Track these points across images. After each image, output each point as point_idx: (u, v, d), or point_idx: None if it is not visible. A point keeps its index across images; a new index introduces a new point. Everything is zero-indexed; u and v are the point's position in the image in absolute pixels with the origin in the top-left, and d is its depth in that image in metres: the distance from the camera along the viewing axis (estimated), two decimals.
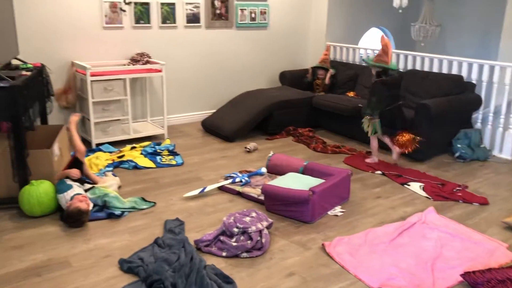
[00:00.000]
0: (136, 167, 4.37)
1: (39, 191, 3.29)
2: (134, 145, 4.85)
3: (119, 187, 3.87)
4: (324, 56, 6.26)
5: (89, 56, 5.08)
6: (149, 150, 4.72)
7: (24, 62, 4.11)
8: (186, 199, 3.73)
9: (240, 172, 4.21)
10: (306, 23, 6.82)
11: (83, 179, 3.63)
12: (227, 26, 6.05)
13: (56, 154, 3.63)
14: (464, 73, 5.14)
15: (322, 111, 5.66)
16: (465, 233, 3.22)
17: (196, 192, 3.79)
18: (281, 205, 3.44)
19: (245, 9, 6.14)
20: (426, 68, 5.50)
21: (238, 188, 3.84)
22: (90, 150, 4.63)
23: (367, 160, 4.67)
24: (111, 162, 4.41)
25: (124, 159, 4.48)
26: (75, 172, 3.54)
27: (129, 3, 5.19)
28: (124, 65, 5.22)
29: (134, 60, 5.28)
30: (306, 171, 3.97)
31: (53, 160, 3.54)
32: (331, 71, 6.09)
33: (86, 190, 3.50)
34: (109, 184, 3.72)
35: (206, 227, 3.26)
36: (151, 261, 2.75)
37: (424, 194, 3.94)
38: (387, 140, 4.57)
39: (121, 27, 5.24)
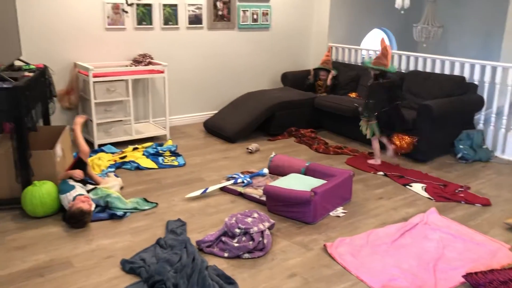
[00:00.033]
0: (138, 168, 4.38)
1: (41, 191, 3.30)
2: (136, 146, 4.86)
3: (121, 188, 3.87)
4: (325, 57, 6.26)
5: (92, 57, 5.09)
6: (151, 151, 4.72)
7: (27, 63, 4.12)
8: (188, 200, 3.74)
9: (242, 173, 4.21)
10: (308, 24, 6.83)
11: (86, 180, 3.64)
12: (229, 27, 6.06)
13: (58, 155, 3.64)
14: (466, 74, 5.13)
15: (324, 112, 5.66)
16: (467, 234, 3.22)
17: (198, 193, 3.79)
18: (283, 206, 3.44)
19: (247, 10, 6.15)
20: (428, 69, 5.50)
21: (240, 189, 3.85)
22: (92, 151, 4.63)
23: (369, 161, 4.67)
24: (113, 163, 4.42)
25: (126, 160, 4.49)
26: (78, 173, 3.55)
27: (131, 5, 5.21)
28: (127, 66, 5.24)
29: (136, 61, 5.29)
30: (308, 172, 3.97)
31: (55, 160, 3.55)
32: (333, 72, 6.09)
33: (88, 191, 3.51)
34: (111, 185, 3.73)
35: (208, 227, 3.27)
36: (153, 262, 2.75)
37: (426, 195, 3.93)
38: (384, 140, 4.59)
39: (123, 29, 5.26)
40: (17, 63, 4.13)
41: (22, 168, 3.37)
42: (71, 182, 3.45)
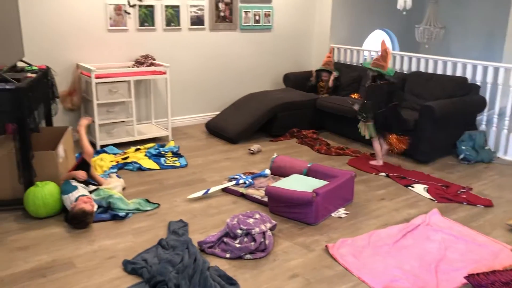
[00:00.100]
0: (140, 168, 4.39)
1: (44, 192, 3.31)
2: (138, 146, 4.87)
3: (124, 189, 3.88)
4: (327, 59, 6.26)
5: (94, 58, 5.11)
6: (153, 151, 4.73)
7: (29, 64, 4.13)
8: (190, 201, 3.74)
9: (244, 173, 4.21)
10: (310, 25, 6.83)
11: (88, 181, 3.65)
12: (231, 28, 6.07)
13: (61, 156, 3.65)
14: (468, 75, 5.13)
15: (326, 113, 5.66)
16: (469, 235, 3.21)
17: (200, 193, 3.79)
18: (284, 207, 3.44)
19: (249, 12, 6.16)
20: (430, 70, 5.50)
21: (241, 190, 3.85)
22: (94, 151, 4.63)
23: (371, 162, 4.67)
24: (115, 163, 4.43)
25: (128, 160, 4.50)
26: (81, 174, 3.56)
27: (133, 6, 5.22)
28: (129, 67, 5.25)
29: (138, 62, 5.31)
30: (310, 173, 3.97)
31: (57, 161, 3.56)
32: (335, 73, 6.09)
33: (90, 192, 3.52)
34: (114, 186, 3.74)
35: (209, 228, 3.27)
36: (155, 262, 2.75)
37: (428, 196, 3.93)
38: (380, 140, 4.62)
39: (125, 30, 5.27)
40: (20, 64, 4.14)
41: (25, 169, 3.38)
42: (74, 183, 3.46)
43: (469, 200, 3.84)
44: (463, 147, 4.83)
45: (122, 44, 5.28)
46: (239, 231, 2.97)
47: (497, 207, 3.75)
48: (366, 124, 4.53)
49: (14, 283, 2.60)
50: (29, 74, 3.76)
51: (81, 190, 3.42)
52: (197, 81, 5.97)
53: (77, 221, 3.21)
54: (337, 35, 6.72)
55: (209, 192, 3.83)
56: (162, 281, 2.54)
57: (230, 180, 4.07)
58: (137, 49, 5.39)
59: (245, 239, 2.94)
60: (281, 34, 6.57)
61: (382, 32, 7.92)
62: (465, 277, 2.63)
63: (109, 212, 3.43)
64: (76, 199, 3.29)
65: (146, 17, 5.35)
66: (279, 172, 4.16)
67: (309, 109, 5.74)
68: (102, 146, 4.84)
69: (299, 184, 3.60)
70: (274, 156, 4.30)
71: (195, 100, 6.02)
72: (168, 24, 5.53)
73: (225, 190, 3.93)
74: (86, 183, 3.58)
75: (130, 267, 2.73)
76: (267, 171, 4.18)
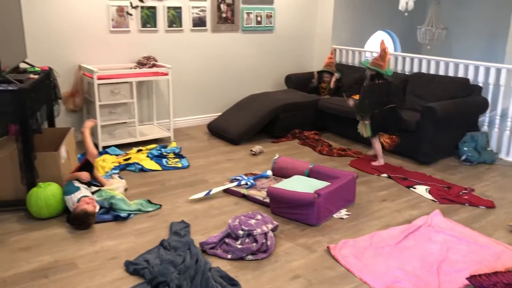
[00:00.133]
0: (142, 169, 4.40)
1: (46, 193, 3.32)
2: (140, 147, 4.87)
3: (126, 190, 3.89)
4: (329, 60, 6.26)
5: (96, 60, 5.12)
6: (155, 152, 4.74)
7: (32, 66, 4.14)
8: (192, 202, 3.74)
9: (246, 174, 4.22)
10: (312, 26, 6.83)
11: (91, 182, 3.65)
12: (233, 29, 6.08)
13: (63, 157, 3.66)
14: (470, 76, 5.13)
15: (328, 114, 5.66)
16: (471, 236, 3.21)
17: (201, 194, 3.80)
18: (286, 208, 3.44)
19: (251, 13, 6.16)
20: (432, 71, 5.49)
21: (243, 191, 3.85)
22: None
23: (373, 163, 4.67)
24: (117, 164, 4.44)
25: (130, 161, 4.51)
26: (85, 175, 3.57)
27: (135, 7, 5.23)
28: (131, 68, 5.26)
29: (140, 64, 5.32)
30: (311, 174, 3.97)
31: (60, 162, 3.57)
32: (336, 75, 6.09)
33: (93, 193, 3.53)
34: (116, 187, 3.75)
35: (211, 229, 3.27)
36: (157, 263, 2.76)
37: (430, 197, 3.92)
38: (374, 139, 4.67)
39: (127, 31, 5.28)
40: (22, 65, 4.16)
41: (27, 169, 3.39)
42: (76, 184, 3.47)
43: (471, 201, 3.83)
44: (465, 148, 4.82)
45: (124, 45, 5.30)
46: (240, 232, 2.97)
47: (499, 208, 3.74)
48: (363, 123, 4.57)
49: (17, 284, 2.61)
50: (31, 75, 3.78)
51: (84, 191, 3.43)
52: (199, 82, 5.98)
53: (79, 222, 3.22)
54: (339, 36, 6.72)
55: (211, 193, 3.83)
56: (164, 282, 2.55)
57: (232, 181, 4.08)
58: (139, 50, 5.40)
59: (247, 240, 2.94)
60: (283, 35, 6.57)
61: (384, 33, 7.91)
62: (467, 278, 2.63)
63: (111, 213, 3.43)
64: (79, 200, 3.30)
65: (148, 18, 5.36)
66: (281, 173, 4.16)
67: (311, 110, 5.75)
68: (104, 147, 4.85)
69: (301, 185, 3.61)
70: (276, 157, 4.30)
71: (197, 101, 6.03)
72: (170, 25, 5.54)
73: (227, 191, 3.93)
74: (88, 184, 3.59)
75: (132, 268, 2.73)
76: (269, 172, 4.18)
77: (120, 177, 4.10)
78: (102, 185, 3.72)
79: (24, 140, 3.33)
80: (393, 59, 6.02)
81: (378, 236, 3.20)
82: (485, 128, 5.12)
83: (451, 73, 5.31)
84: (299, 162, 4.17)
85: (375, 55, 6.13)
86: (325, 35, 6.73)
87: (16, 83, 3.33)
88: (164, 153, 4.75)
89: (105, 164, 4.36)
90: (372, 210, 3.68)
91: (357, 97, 5.86)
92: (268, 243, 2.96)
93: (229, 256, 2.90)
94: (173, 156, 4.75)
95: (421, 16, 7.50)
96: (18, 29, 4.03)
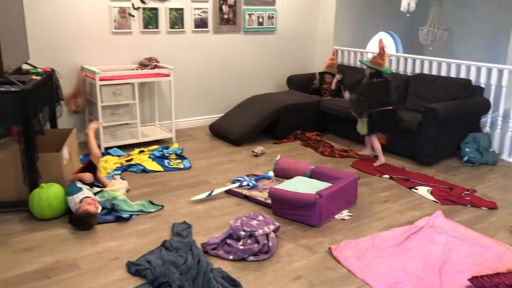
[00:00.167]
0: (144, 170, 4.40)
1: (49, 194, 3.33)
2: (142, 149, 4.88)
3: (127, 191, 3.90)
4: (330, 61, 6.27)
5: (98, 61, 5.13)
6: (157, 153, 4.75)
7: (34, 67, 4.15)
8: (194, 203, 3.75)
9: (248, 175, 4.22)
10: (314, 27, 6.84)
11: (93, 183, 3.66)
12: (235, 30, 6.09)
13: (65, 158, 3.67)
14: (472, 77, 5.12)
15: (330, 115, 5.66)
16: (473, 238, 3.20)
17: (203, 195, 3.80)
18: (288, 209, 3.44)
19: (252, 14, 6.17)
20: (434, 72, 5.49)
21: (245, 192, 3.85)
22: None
23: (375, 164, 4.67)
24: (119, 165, 4.45)
25: (132, 162, 4.51)
26: (88, 176, 3.58)
27: (137, 9, 5.25)
28: (133, 69, 5.27)
29: (142, 65, 5.33)
30: (313, 175, 3.97)
31: (62, 163, 3.58)
32: (337, 76, 6.09)
33: (95, 193, 3.54)
34: (118, 188, 3.75)
35: (213, 230, 3.28)
36: (159, 264, 2.76)
37: (432, 198, 3.92)
38: (367, 139, 4.72)
39: (129, 32, 5.29)
40: (25, 66, 4.17)
41: (30, 170, 3.40)
42: (79, 185, 3.47)
43: (473, 202, 3.83)
44: (467, 149, 4.82)
45: (126, 47, 5.31)
46: (242, 233, 2.97)
47: (501, 209, 3.74)
48: (361, 121, 4.62)
49: (19, 284, 2.62)
50: (34, 77, 3.79)
51: (86, 191, 3.44)
52: (201, 83, 5.98)
53: (81, 222, 3.22)
54: (341, 37, 6.73)
55: (213, 194, 3.84)
56: (166, 283, 2.55)
57: (233, 182, 4.08)
58: (141, 51, 5.41)
59: (249, 241, 2.94)
60: (285, 36, 6.58)
61: (386, 34, 7.91)
62: (469, 279, 2.63)
63: (113, 213, 3.44)
64: (81, 201, 3.31)
65: (150, 19, 5.37)
66: (283, 174, 4.16)
67: (313, 111, 5.75)
68: (106, 148, 4.86)
69: (302, 186, 3.61)
70: (277, 158, 4.31)
71: (199, 102, 6.04)
72: (172, 26, 5.55)
73: (229, 192, 3.93)
74: (90, 185, 3.60)
75: (134, 268, 2.74)
76: (271, 173, 4.19)
77: (122, 178, 4.10)
78: (104, 186, 3.73)
79: (26, 141, 3.34)
80: (395, 60, 6.02)
81: (379, 237, 3.20)
82: (487, 129, 5.12)
83: (453, 74, 5.31)
84: (301, 163, 4.17)
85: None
86: (327, 36, 6.74)
87: (18, 84, 3.34)
88: (166, 154, 4.76)
89: (107, 165, 4.36)
90: (373, 211, 3.67)
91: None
92: (270, 244, 2.96)
93: (230, 257, 2.90)
94: (175, 157, 4.76)
95: (423, 17, 7.50)
96: (20, 30, 4.04)
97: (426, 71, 5.59)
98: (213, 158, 4.83)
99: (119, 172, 4.29)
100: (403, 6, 5.81)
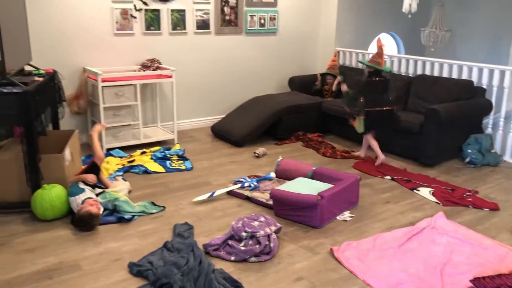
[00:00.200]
0: (146, 171, 4.41)
1: (51, 195, 3.34)
2: (144, 150, 4.89)
3: (129, 192, 3.90)
4: (332, 62, 6.27)
5: (101, 62, 5.15)
6: (159, 155, 4.75)
7: (37, 68, 4.17)
8: (195, 204, 3.75)
9: (249, 177, 4.22)
10: (316, 28, 6.84)
11: (96, 184, 3.67)
12: (237, 32, 6.09)
13: (67, 159, 3.68)
14: (474, 78, 5.12)
15: (331, 116, 5.66)
16: (474, 239, 3.20)
17: (205, 196, 3.81)
18: (289, 210, 3.44)
19: (254, 15, 6.18)
20: (436, 73, 5.49)
21: (247, 193, 3.86)
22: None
23: (376, 163, 4.67)
24: (121, 166, 4.46)
25: (134, 163, 4.52)
26: (91, 177, 3.58)
27: (139, 10, 5.26)
28: (135, 71, 5.28)
29: (144, 66, 5.34)
30: (315, 176, 3.97)
31: (64, 164, 3.58)
32: (339, 78, 6.09)
33: (97, 194, 3.55)
34: (120, 189, 3.76)
35: (214, 231, 3.28)
36: (160, 265, 2.77)
37: (433, 199, 3.92)
38: (364, 139, 4.71)
39: (132, 34, 5.30)
40: (27, 68, 4.18)
41: (32, 171, 3.41)
42: (81, 186, 3.48)
43: (475, 203, 3.83)
44: (469, 151, 4.81)
45: (129, 48, 5.32)
46: (244, 234, 2.97)
47: (503, 211, 3.73)
48: (359, 119, 4.63)
49: (21, 285, 2.63)
50: (36, 78, 3.80)
51: (88, 192, 3.44)
52: (203, 84, 5.99)
53: (84, 223, 3.23)
54: (342, 39, 6.73)
55: (215, 195, 3.84)
56: (167, 284, 2.56)
57: (235, 183, 4.09)
58: (143, 53, 5.42)
59: (250, 242, 2.95)
60: (287, 38, 6.58)
61: (388, 35, 7.91)
62: (471, 281, 2.63)
63: (115, 214, 3.45)
64: (83, 202, 3.32)
65: (152, 21, 5.39)
66: (284, 175, 4.16)
67: (315, 112, 5.75)
68: (108, 149, 4.87)
69: (304, 187, 3.61)
70: (279, 159, 4.31)
71: (201, 103, 6.05)
72: (174, 28, 5.56)
73: (230, 193, 3.94)
74: (93, 186, 3.61)
75: (136, 269, 2.75)
76: (272, 174, 4.19)
77: (124, 179, 4.11)
78: (106, 187, 3.74)
79: (28, 142, 3.35)
80: (397, 61, 6.02)
81: (381, 238, 3.20)
82: (489, 130, 5.11)
83: (455, 75, 5.30)
84: (303, 164, 4.17)
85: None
86: (329, 38, 6.74)
87: (21, 85, 3.35)
88: (168, 155, 4.77)
89: (109, 166, 4.38)
90: (375, 212, 3.67)
91: (361, 99, 5.89)
92: (271, 245, 2.96)
93: (232, 258, 2.90)
94: (177, 158, 4.77)
95: (424, 18, 7.50)
96: (23, 32, 4.06)
97: (428, 72, 5.58)
98: (215, 159, 4.84)
99: (121, 173, 4.29)
100: (405, 7, 5.81)
